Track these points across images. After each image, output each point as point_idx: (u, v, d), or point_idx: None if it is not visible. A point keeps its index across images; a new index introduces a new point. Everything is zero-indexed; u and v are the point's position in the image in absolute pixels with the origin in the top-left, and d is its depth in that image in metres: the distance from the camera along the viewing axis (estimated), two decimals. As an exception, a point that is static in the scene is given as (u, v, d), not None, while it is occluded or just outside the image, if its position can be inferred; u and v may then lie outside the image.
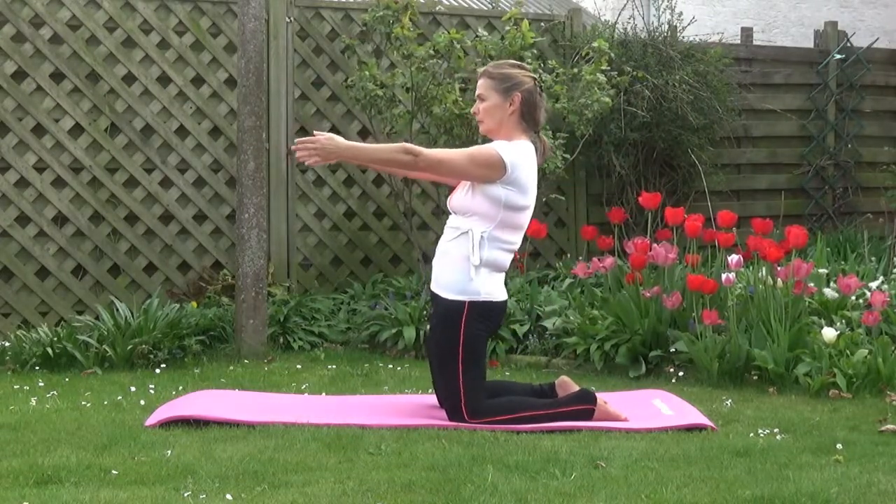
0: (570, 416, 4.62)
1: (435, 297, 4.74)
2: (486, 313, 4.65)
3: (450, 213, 4.80)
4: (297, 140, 4.72)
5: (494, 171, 4.60)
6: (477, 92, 4.81)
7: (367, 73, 7.05)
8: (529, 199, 4.70)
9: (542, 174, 7.22)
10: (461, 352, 4.60)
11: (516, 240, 4.74)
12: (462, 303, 4.61)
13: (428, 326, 6.55)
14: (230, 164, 7.19)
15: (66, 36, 6.88)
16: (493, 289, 4.66)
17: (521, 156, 4.65)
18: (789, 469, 3.90)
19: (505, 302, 4.77)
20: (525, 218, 4.74)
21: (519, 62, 5.08)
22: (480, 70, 4.90)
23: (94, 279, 6.91)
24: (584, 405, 4.66)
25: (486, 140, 4.85)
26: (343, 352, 6.73)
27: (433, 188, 7.59)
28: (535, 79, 4.81)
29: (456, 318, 4.60)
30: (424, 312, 6.67)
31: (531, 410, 4.65)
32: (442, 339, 4.66)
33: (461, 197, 4.71)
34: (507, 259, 4.73)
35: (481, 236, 4.61)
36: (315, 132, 4.73)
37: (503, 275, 4.76)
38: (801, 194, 9.07)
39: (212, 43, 7.22)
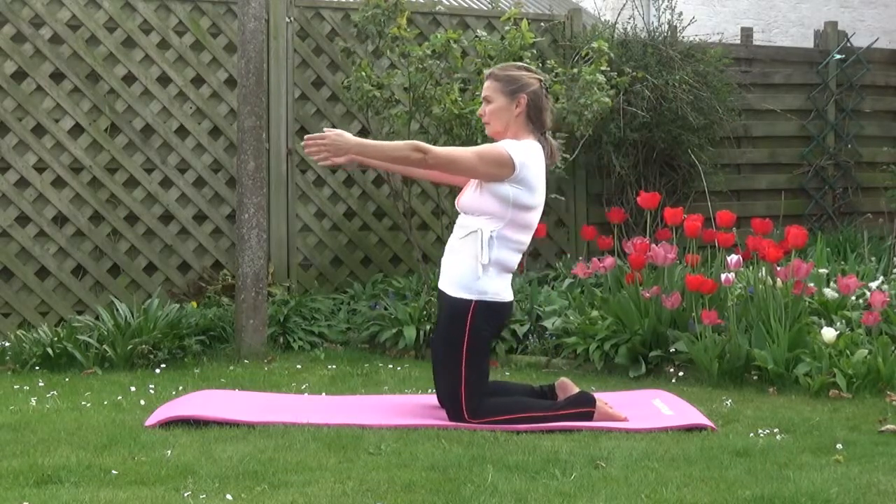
0: (569, 418, 4.62)
1: (441, 294, 4.75)
2: (492, 313, 4.65)
3: (454, 214, 4.80)
4: (306, 137, 4.71)
5: (503, 170, 4.60)
6: (483, 94, 4.81)
7: (362, 73, 7.05)
8: (538, 198, 4.71)
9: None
10: (465, 350, 4.60)
11: (525, 239, 4.75)
12: (469, 301, 4.61)
13: (429, 326, 6.59)
14: (230, 164, 7.19)
15: (66, 36, 6.88)
16: (500, 288, 4.67)
17: (529, 155, 4.66)
18: (789, 469, 3.90)
19: (511, 303, 4.78)
20: (534, 217, 4.74)
21: (525, 64, 5.07)
22: (487, 72, 4.89)
23: (94, 279, 6.91)
24: (583, 408, 4.67)
25: (491, 140, 4.85)
26: (343, 352, 6.72)
27: (433, 188, 7.59)
28: (541, 80, 4.81)
29: (462, 316, 4.61)
30: (424, 312, 6.67)
31: (531, 411, 4.65)
32: (447, 336, 4.66)
33: (470, 196, 4.71)
34: (515, 259, 4.74)
35: (490, 235, 4.62)
36: (325, 129, 4.71)
37: (510, 275, 4.76)
38: (801, 194, 9.07)
39: (212, 43, 7.22)
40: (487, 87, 4.79)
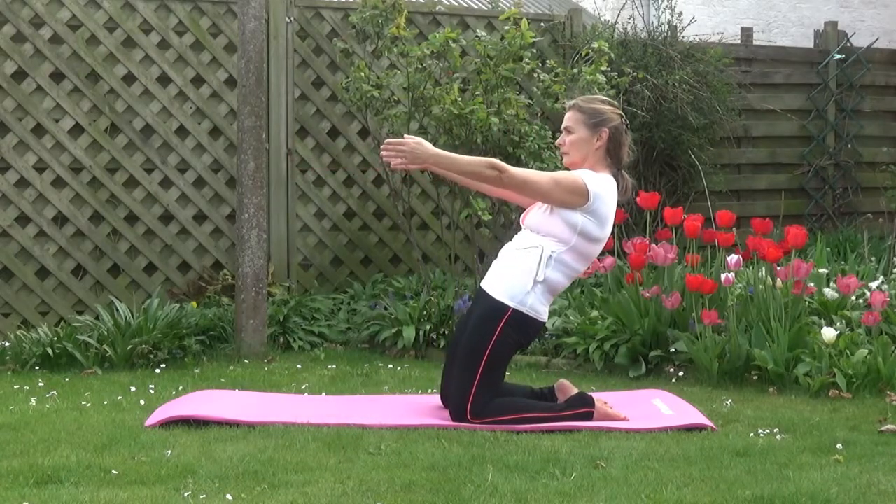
0: (569, 419, 4.63)
1: (481, 294, 4.77)
2: (524, 326, 4.68)
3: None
4: (386, 140, 4.74)
5: (578, 198, 4.64)
6: (564, 124, 4.84)
7: (360, 74, 7.04)
8: (605, 232, 4.75)
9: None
10: (487, 354, 4.63)
11: (581, 269, 4.80)
12: (507, 307, 4.64)
13: (429, 326, 6.59)
14: (230, 164, 7.19)
15: (66, 36, 6.87)
16: (540, 308, 4.70)
17: (605, 188, 4.70)
18: (789, 469, 3.91)
19: (543, 324, 4.80)
20: (596, 250, 4.79)
21: (609, 99, 5.10)
22: (570, 102, 4.93)
23: (94, 279, 6.91)
24: (582, 409, 4.68)
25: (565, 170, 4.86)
26: (343, 352, 6.73)
27: (433, 188, 7.58)
28: (622, 116, 4.86)
29: (495, 320, 4.64)
30: (424, 312, 6.67)
31: (532, 412, 4.66)
32: (474, 335, 4.67)
33: (538, 216, 4.74)
34: (565, 285, 4.79)
35: (550, 255, 4.65)
36: (405, 135, 4.74)
37: (553, 298, 4.80)
38: (801, 194, 9.07)
39: (212, 43, 7.22)
40: (570, 118, 4.82)
